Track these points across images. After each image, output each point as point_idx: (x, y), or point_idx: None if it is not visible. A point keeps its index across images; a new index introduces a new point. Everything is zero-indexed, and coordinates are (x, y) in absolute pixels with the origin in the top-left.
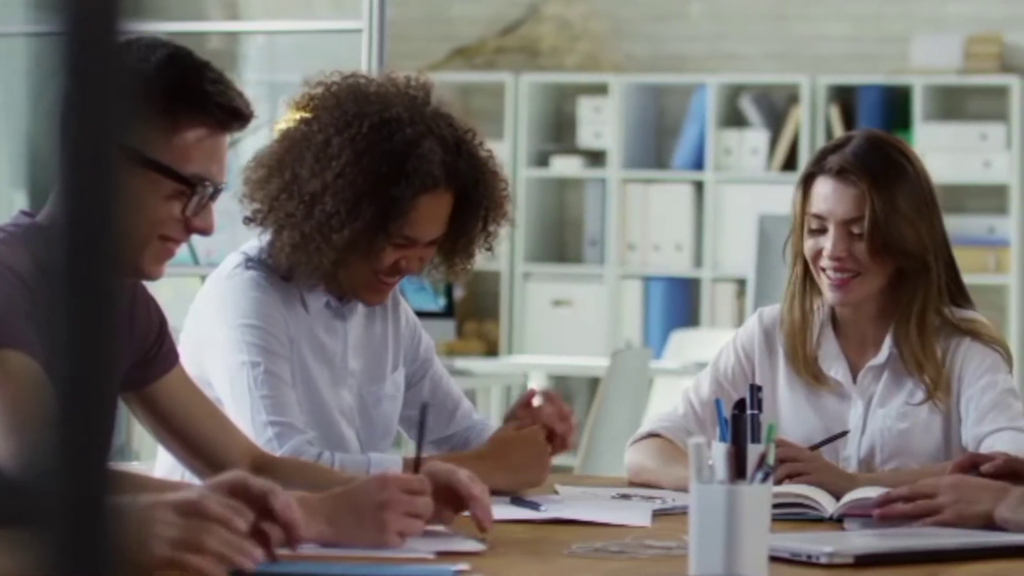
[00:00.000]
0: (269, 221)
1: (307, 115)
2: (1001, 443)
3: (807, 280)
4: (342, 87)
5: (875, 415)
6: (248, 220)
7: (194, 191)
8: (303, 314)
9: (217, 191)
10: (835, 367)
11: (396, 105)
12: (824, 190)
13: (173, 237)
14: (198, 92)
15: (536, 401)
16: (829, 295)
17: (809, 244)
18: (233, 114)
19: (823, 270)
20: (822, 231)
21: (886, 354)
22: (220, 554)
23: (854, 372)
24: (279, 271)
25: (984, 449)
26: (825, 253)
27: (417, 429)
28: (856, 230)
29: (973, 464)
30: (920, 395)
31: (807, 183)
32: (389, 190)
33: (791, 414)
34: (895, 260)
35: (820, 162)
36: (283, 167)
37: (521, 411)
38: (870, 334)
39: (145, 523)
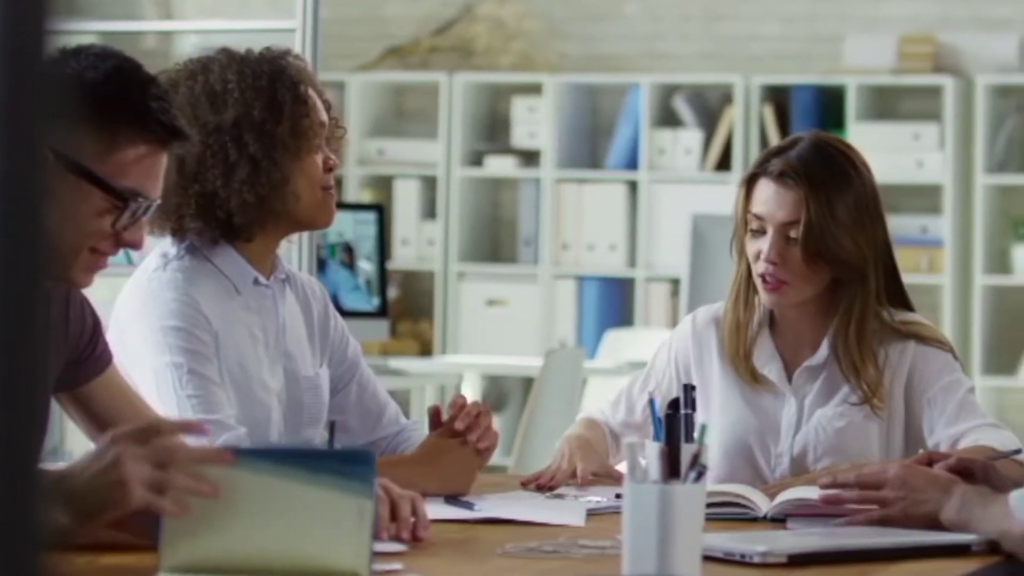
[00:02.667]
0: (214, 173)
1: (185, 82)
2: (986, 438)
3: (750, 279)
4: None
5: (811, 414)
6: (171, 227)
7: (127, 206)
8: (235, 297)
9: (150, 207)
10: (769, 367)
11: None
12: (765, 193)
13: (102, 250)
14: (140, 107)
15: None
16: (764, 296)
17: (750, 245)
18: (173, 133)
19: (760, 272)
20: (761, 232)
21: (824, 355)
22: (188, 488)
23: (789, 372)
24: (239, 227)
25: (965, 444)
26: (761, 256)
27: (328, 447)
28: (793, 234)
29: (929, 463)
30: (858, 396)
31: (750, 183)
32: (288, 91)
33: (727, 413)
34: (830, 267)
35: (764, 163)
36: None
37: (439, 434)
38: (807, 335)
39: (112, 467)
